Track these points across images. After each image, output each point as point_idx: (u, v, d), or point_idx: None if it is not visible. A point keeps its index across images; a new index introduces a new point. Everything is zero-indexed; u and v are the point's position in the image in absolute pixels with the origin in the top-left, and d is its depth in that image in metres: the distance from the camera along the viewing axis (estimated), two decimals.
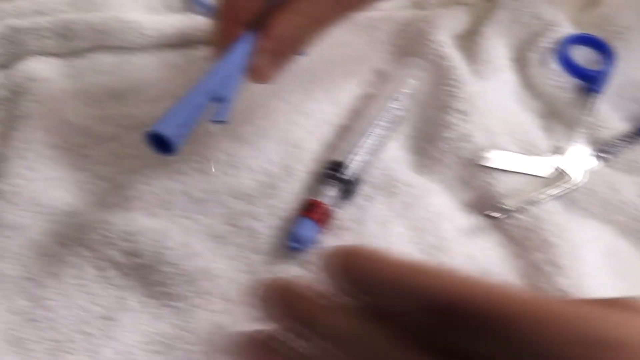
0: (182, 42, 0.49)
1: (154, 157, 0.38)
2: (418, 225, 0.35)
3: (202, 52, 0.48)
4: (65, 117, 0.41)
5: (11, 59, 0.45)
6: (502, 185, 0.36)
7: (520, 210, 0.35)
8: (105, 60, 0.47)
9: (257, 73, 0.33)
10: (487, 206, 0.35)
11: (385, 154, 0.39)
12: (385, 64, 0.46)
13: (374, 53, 0.47)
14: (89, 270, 0.33)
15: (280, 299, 0.21)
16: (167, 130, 0.28)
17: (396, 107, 0.40)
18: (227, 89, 0.32)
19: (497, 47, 0.45)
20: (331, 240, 0.34)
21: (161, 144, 0.29)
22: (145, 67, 0.46)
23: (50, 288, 0.32)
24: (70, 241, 0.34)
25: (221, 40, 0.34)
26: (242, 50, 0.33)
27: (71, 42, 0.46)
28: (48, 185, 0.36)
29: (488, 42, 0.45)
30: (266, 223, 0.35)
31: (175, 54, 0.48)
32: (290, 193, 0.37)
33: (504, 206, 0.34)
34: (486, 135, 0.37)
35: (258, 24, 0.34)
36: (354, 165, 0.36)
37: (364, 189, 0.37)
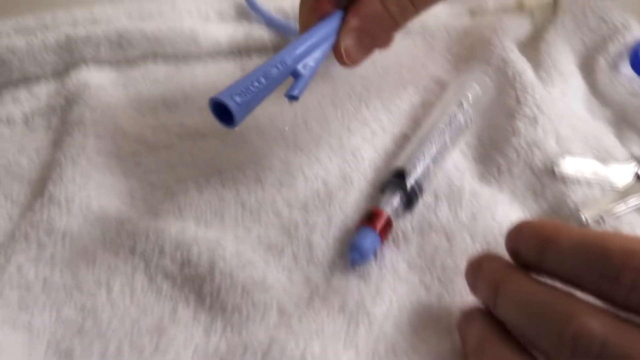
0: (236, 51, 0.48)
1: (208, 165, 0.38)
2: (486, 238, 0.32)
3: (256, 61, 0.48)
4: (119, 124, 0.40)
5: (66, 67, 0.45)
6: (578, 195, 0.33)
7: (598, 222, 0.32)
8: (159, 69, 0.47)
9: (344, 53, 0.32)
10: (562, 218, 0.32)
11: (449, 163, 0.37)
12: (445, 72, 0.44)
13: (432, 61, 0.46)
14: (140, 280, 0.31)
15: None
16: (231, 101, 0.27)
17: (459, 114, 0.37)
18: (305, 65, 0.30)
19: (563, 53, 0.43)
20: (394, 253, 0.32)
21: (224, 113, 0.28)
22: (199, 76, 0.46)
23: (100, 298, 0.31)
24: (121, 249, 0.33)
25: (308, 17, 0.32)
26: (329, 27, 0.31)
27: (125, 51, 0.46)
28: (100, 192, 0.35)
29: (553, 49, 0.43)
30: (323, 233, 0.34)
31: (229, 63, 0.47)
32: (348, 202, 0.35)
33: (581, 218, 0.31)
34: (558, 142, 0.35)
35: (349, 3, 0.32)
36: (416, 173, 0.34)
37: (426, 199, 0.35)
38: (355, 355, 0.28)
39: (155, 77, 0.46)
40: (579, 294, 0.23)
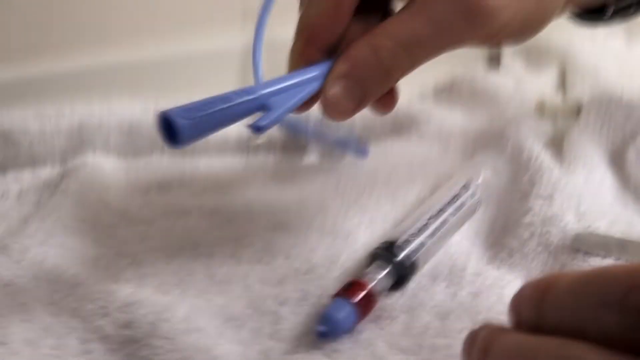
0: (244, 147, 0.47)
1: (184, 240, 0.35)
2: (488, 317, 0.26)
3: (262, 157, 0.47)
4: (104, 197, 0.39)
5: (74, 153, 0.45)
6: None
7: None
8: (164, 159, 0.46)
9: (329, 102, 0.28)
10: None
11: (453, 247, 0.32)
12: (459, 169, 0.41)
13: (445, 160, 0.43)
14: (71, 343, 0.27)
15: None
16: (184, 125, 0.23)
17: (464, 196, 0.33)
18: (276, 100, 0.27)
19: (588, 149, 0.39)
20: (373, 330, 0.26)
21: (172, 132, 0.24)
22: (201, 167, 0.45)
23: (22, 357, 0.26)
24: (63, 311, 0.29)
25: (296, 63, 0.30)
26: (315, 72, 0.28)
27: (134, 141, 0.46)
28: (61, 253, 0.32)
29: (576, 145, 0.40)
30: (295, 309, 0.29)
31: (234, 158, 0.47)
32: (330, 279, 0.30)
33: None
34: (577, 218, 0.30)
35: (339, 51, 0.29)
36: (408, 247, 0.30)
37: (421, 280, 0.30)
38: None
39: (157, 166, 0.45)
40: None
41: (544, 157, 0.35)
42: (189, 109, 0.24)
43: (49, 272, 0.31)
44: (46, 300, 0.29)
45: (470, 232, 0.34)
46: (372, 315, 0.28)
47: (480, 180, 0.35)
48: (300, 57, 0.29)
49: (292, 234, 0.35)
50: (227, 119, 0.26)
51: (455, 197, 0.33)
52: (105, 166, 0.43)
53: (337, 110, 0.28)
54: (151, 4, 0.54)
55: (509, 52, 0.63)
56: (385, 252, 0.30)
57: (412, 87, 0.58)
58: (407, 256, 0.29)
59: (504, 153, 0.38)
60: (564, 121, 0.45)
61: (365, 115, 0.46)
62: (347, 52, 0.28)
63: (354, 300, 0.27)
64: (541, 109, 0.45)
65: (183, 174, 0.44)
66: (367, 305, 0.27)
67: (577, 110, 0.44)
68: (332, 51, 0.29)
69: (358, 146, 0.44)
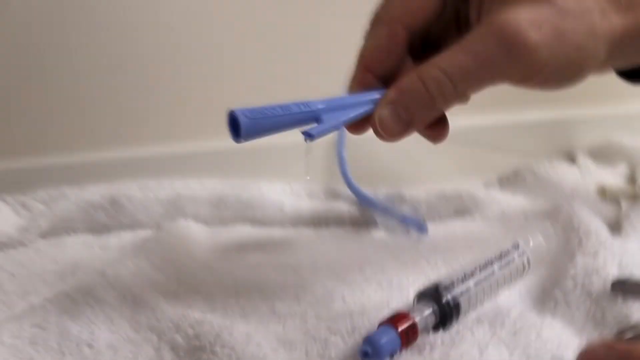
0: (317, 221, 0.52)
1: (254, 282, 0.39)
2: (527, 351, 0.27)
3: (334, 231, 0.51)
4: (190, 249, 0.44)
5: (169, 219, 0.52)
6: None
7: None
8: (245, 229, 0.51)
9: (377, 122, 0.30)
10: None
11: (501, 299, 0.34)
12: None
13: (506, 238, 0.45)
14: (147, 350, 0.31)
15: None
16: (245, 123, 0.28)
17: (514, 253, 0.35)
18: (329, 115, 0.30)
19: None
20: (413, 355, 0.28)
21: (237, 128, 0.28)
22: (276, 237, 0.50)
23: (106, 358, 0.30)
24: (141, 326, 0.33)
25: (352, 86, 0.33)
26: (369, 97, 0.31)
27: (221, 212, 0.52)
28: (145, 283, 0.37)
29: (634, 219, 0.41)
30: (344, 337, 0.31)
31: (307, 230, 0.51)
32: (379, 317, 0.33)
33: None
34: (620, 269, 0.31)
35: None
36: (454, 290, 0.32)
37: (465, 321, 0.32)
38: None
39: (239, 233, 0.50)
40: None
41: (595, 224, 0.37)
42: (252, 110, 0.28)
43: (135, 296, 0.36)
44: (129, 317, 0.34)
45: (522, 290, 0.35)
46: (414, 347, 0.30)
47: (531, 243, 0.37)
48: (357, 83, 0.33)
49: (352, 285, 0.38)
50: (283, 123, 0.29)
51: (504, 254, 0.35)
52: (193, 227, 0.49)
53: (386, 132, 0.31)
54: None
55: (582, 151, 0.66)
56: (431, 292, 0.32)
57: (477, 177, 0.61)
58: (452, 297, 0.31)
59: (558, 221, 0.39)
60: (625, 205, 0.46)
61: (430, 197, 0.50)
62: (398, 82, 0.31)
63: (398, 329, 0.29)
64: (602, 192, 0.47)
65: (259, 239, 0.48)
66: (410, 335, 0.29)
67: (637, 194, 0.46)
68: (387, 81, 0.32)
69: (419, 223, 0.47)
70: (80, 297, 0.34)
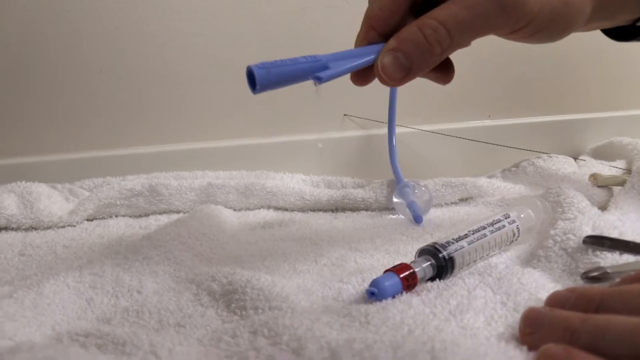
0: (334, 207, 0.57)
1: (276, 253, 0.44)
2: (508, 291, 0.32)
3: (349, 215, 0.56)
4: (221, 225, 0.49)
5: (200, 204, 0.57)
6: (609, 261, 0.32)
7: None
8: (269, 213, 0.57)
9: (380, 68, 0.33)
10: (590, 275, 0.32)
11: (492, 260, 0.39)
12: None
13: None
14: (187, 295, 0.36)
15: None
16: (260, 73, 0.31)
17: (504, 221, 0.40)
18: (336, 63, 0.32)
19: (630, 204, 0.45)
20: (412, 295, 0.33)
21: (253, 81, 0.31)
22: (297, 220, 0.55)
23: (152, 302, 0.36)
24: (181, 280, 0.38)
25: (358, 42, 0.36)
26: (372, 49, 0.34)
27: (248, 199, 0.58)
28: (183, 249, 0.43)
29: (620, 199, 0.45)
30: (354, 286, 0.36)
31: (326, 214, 0.56)
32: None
33: (607, 271, 0.31)
34: (594, 230, 0.36)
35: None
36: (449, 247, 0.37)
37: (459, 274, 0.37)
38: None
39: (264, 216, 0.56)
40: None
41: (578, 197, 0.41)
42: (266, 63, 0.32)
43: (176, 257, 0.41)
44: (172, 273, 0.40)
45: (513, 255, 0.40)
46: (413, 291, 0.35)
47: (522, 215, 0.41)
48: (362, 39, 0.35)
49: (363, 252, 0.44)
50: (294, 71, 0.32)
51: (495, 221, 0.40)
52: (223, 210, 0.55)
53: (388, 77, 0.33)
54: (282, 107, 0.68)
55: (586, 151, 0.70)
56: (430, 248, 0.37)
57: (481, 171, 0.66)
58: (447, 253, 0.36)
59: (547, 199, 0.44)
60: (617, 190, 0.50)
61: (437, 186, 0.54)
62: (399, 32, 0.33)
63: (400, 275, 0.34)
64: (594, 179, 0.51)
65: (282, 220, 0.54)
66: (410, 281, 0.34)
67: (626, 181, 0.50)
68: (389, 37, 0.34)
69: (418, 214, 0.52)
70: (130, 254, 0.40)
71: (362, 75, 0.36)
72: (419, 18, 0.33)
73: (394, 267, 0.35)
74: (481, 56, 0.73)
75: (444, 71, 0.37)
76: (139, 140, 0.65)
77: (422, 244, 0.44)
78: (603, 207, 0.48)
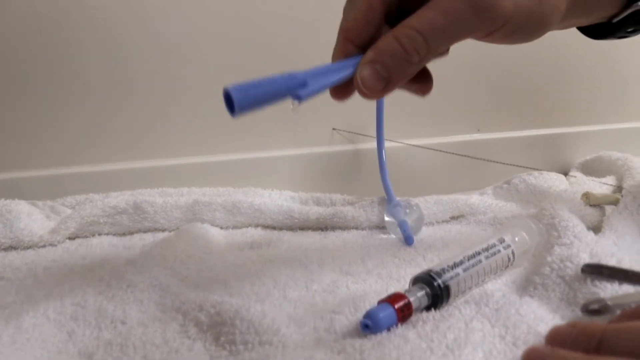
0: (323, 226, 0.56)
1: (266, 277, 0.43)
2: (507, 323, 0.31)
3: (339, 234, 0.55)
4: (208, 245, 0.48)
5: (187, 223, 0.56)
6: (609, 292, 0.32)
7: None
8: (257, 232, 0.55)
9: (360, 81, 0.32)
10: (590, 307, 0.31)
11: (488, 286, 0.38)
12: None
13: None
14: (173, 326, 0.35)
15: None
16: (237, 95, 0.29)
17: (500, 246, 0.40)
18: (315, 80, 0.31)
19: (625, 226, 0.44)
20: (407, 328, 0.32)
21: (231, 103, 0.30)
22: (285, 241, 0.54)
23: (137, 333, 0.34)
24: (167, 308, 0.37)
25: (335, 55, 0.35)
26: (349, 62, 0.33)
27: (235, 217, 0.56)
28: (167, 274, 0.41)
29: (612, 219, 0.45)
30: (347, 316, 0.35)
31: (315, 234, 0.55)
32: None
33: (607, 303, 0.30)
34: (592, 256, 0.35)
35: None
36: (444, 275, 0.36)
37: (455, 303, 0.36)
38: None
39: (251, 234, 0.55)
40: None
41: (573, 221, 0.41)
42: (243, 84, 0.30)
43: (161, 283, 0.40)
44: (157, 300, 0.38)
45: (508, 280, 0.39)
46: (409, 322, 0.34)
47: (517, 239, 0.41)
48: (339, 52, 0.34)
49: (355, 277, 0.43)
50: (272, 91, 0.30)
51: (490, 246, 0.39)
52: (210, 229, 0.54)
53: (368, 90, 0.32)
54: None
55: (575, 165, 0.70)
56: (424, 276, 0.36)
57: (471, 186, 0.66)
58: (442, 281, 0.35)
59: (541, 221, 0.43)
60: (609, 209, 0.50)
61: (429, 204, 0.54)
62: (375, 44, 0.33)
63: (395, 306, 0.33)
64: (586, 198, 0.51)
65: (271, 239, 0.53)
66: (405, 312, 0.33)
67: (618, 200, 0.50)
68: (366, 49, 0.33)
69: (409, 234, 0.51)
70: (114, 281, 0.39)
71: (341, 90, 0.35)
72: (395, 27, 0.32)
73: (388, 297, 0.34)
74: (470, 69, 0.73)
75: (422, 81, 0.36)
76: (122, 155, 0.63)
77: (414, 267, 0.43)
78: (596, 228, 0.48)
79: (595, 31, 0.40)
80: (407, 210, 0.52)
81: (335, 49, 0.35)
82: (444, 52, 0.36)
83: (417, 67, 0.33)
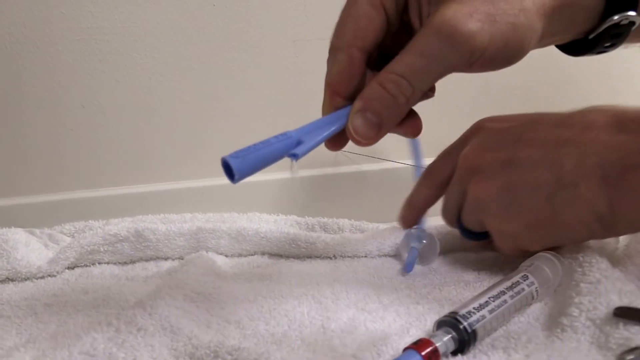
0: (330, 254, 0.55)
1: (281, 315, 0.41)
2: None
3: (349, 262, 0.54)
4: (216, 281, 0.46)
5: (190, 251, 0.54)
6: None
7: None
8: (264, 260, 0.54)
9: (352, 130, 0.34)
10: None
11: (512, 325, 0.37)
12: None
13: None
14: None
15: None
16: (235, 162, 0.31)
17: (524, 284, 0.38)
18: (308, 136, 0.33)
19: None
20: None
21: (230, 171, 0.31)
22: (295, 265, 0.52)
23: None
24: (180, 353, 0.35)
25: (324, 110, 0.37)
26: (340, 114, 0.35)
27: (240, 244, 0.55)
28: (180, 314, 0.40)
29: (635, 254, 0.44)
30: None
31: (323, 262, 0.54)
32: (401, 345, 0.35)
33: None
34: (620, 297, 0.34)
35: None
36: (470, 318, 0.35)
37: (481, 346, 0.34)
38: None
39: (258, 264, 0.53)
40: None
41: (597, 256, 0.40)
42: (239, 151, 0.32)
43: (172, 325, 0.38)
44: (169, 345, 0.36)
45: (531, 318, 0.38)
46: None
47: (541, 275, 0.40)
48: (328, 106, 0.37)
49: (372, 314, 0.41)
50: (270, 155, 0.32)
51: (514, 284, 0.38)
52: (217, 259, 0.52)
53: (362, 137, 0.35)
54: None
55: None
56: (450, 320, 0.34)
57: None
58: (469, 324, 0.34)
59: (564, 255, 0.42)
60: (623, 238, 0.49)
61: (443, 233, 0.52)
62: (362, 92, 0.35)
63: (421, 353, 0.32)
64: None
65: (280, 270, 0.51)
66: (432, 359, 0.32)
67: None
68: (353, 99, 0.35)
69: (409, 262, 0.50)
70: (123, 325, 0.37)
71: (336, 140, 0.37)
72: (378, 75, 0.34)
73: (415, 343, 0.33)
74: (477, 89, 0.72)
75: (411, 123, 0.38)
76: (122, 180, 0.61)
77: (432, 303, 0.42)
78: (614, 259, 0.47)
79: (573, 48, 0.41)
80: (424, 241, 0.51)
81: (323, 103, 0.37)
82: (430, 92, 0.37)
83: (405, 109, 0.35)
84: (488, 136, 0.44)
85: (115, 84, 0.60)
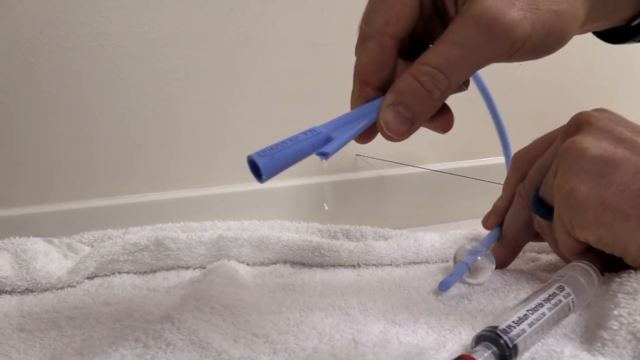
0: (355, 263, 0.54)
1: (308, 328, 0.40)
2: None
3: (372, 270, 0.53)
4: (239, 292, 0.45)
5: (211, 260, 0.53)
6: None
7: None
8: (286, 269, 0.53)
9: (383, 125, 0.33)
10: None
11: (551, 340, 0.36)
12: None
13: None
14: None
15: None
16: (262, 161, 0.29)
17: (560, 295, 0.37)
18: (338, 133, 0.31)
19: None
20: None
21: (257, 170, 0.30)
22: (318, 275, 0.51)
23: None
24: None
25: (354, 101, 0.35)
26: (370, 107, 0.33)
27: (263, 253, 0.54)
28: (208, 327, 0.39)
29: None
30: None
31: (347, 271, 0.53)
32: (437, 359, 0.34)
33: None
34: None
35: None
36: (511, 332, 0.34)
37: None
38: None
39: (281, 273, 0.52)
40: None
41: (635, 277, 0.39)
42: (266, 149, 0.30)
43: (201, 340, 0.37)
44: None
45: (567, 330, 0.37)
46: None
47: (576, 286, 0.39)
48: (358, 97, 0.34)
49: (404, 327, 0.40)
50: (297, 152, 0.30)
51: (551, 296, 0.37)
52: (239, 269, 0.51)
53: (393, 133, 0.33)
54: None
55: None
56: (490, 334, 0.33)
57: None
58: (510, 339, 0.33)
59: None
60: None
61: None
62: (394, 85, 0.33)
63: None
64: None
65: (303, 280, 0.50)
66: None
67: None
68: (385, 90, 0.33)
69: (446, 281, 0.47)
70: (151, 341, 0.36)
71: (365, 134, 0.35)
72: (411, 66, 0.32)
73: (456, 359, 0.32)
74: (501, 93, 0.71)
75: (443, 118, 0.36)
76: (141, 187, 0.60)
77: (462, 314, 0.41)
78: None
79: (612, 36, 0.39)
80: (479, 258, 0.47)
81: (353, 93, 0.35)
82: (464, 86, 0.36)
83: (439, 102, 0.33)
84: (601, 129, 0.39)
85: (132, 90, 0.59)
